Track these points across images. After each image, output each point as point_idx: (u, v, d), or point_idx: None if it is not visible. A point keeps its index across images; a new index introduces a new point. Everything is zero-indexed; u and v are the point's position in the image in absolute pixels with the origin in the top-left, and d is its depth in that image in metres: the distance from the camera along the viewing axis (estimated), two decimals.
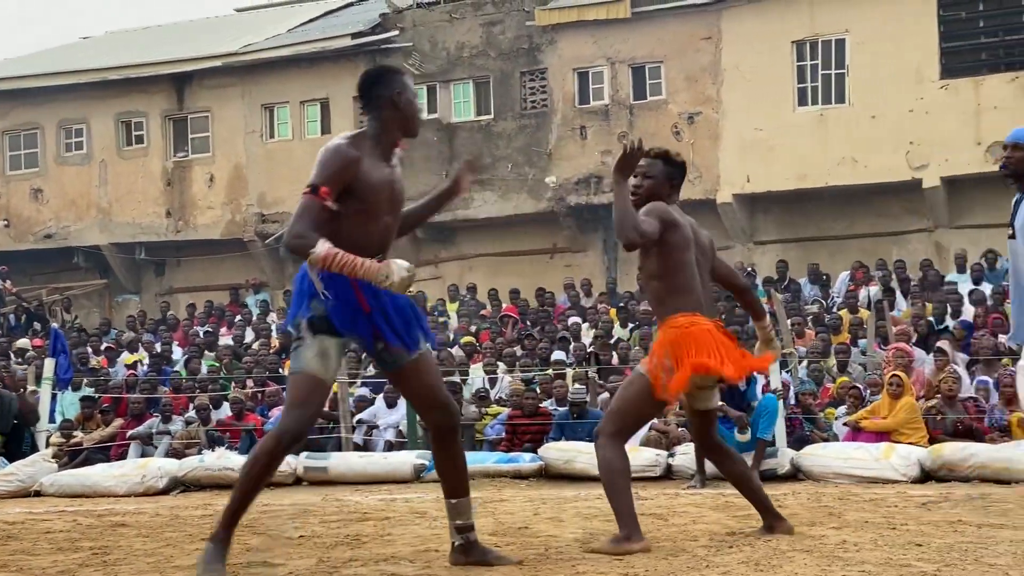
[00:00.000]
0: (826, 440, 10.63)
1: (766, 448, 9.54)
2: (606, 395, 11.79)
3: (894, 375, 10.53)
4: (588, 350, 14.28)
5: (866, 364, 13.10)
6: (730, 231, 20.94)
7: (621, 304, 17.60)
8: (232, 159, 23.89)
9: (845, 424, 10.73)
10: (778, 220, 21.10)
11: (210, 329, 19.63)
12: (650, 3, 20.96)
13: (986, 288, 15.36)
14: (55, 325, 18.33)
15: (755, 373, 9.64)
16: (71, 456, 12.56)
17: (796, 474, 9.65)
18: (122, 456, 12.61)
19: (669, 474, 9.84)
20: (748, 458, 9.45)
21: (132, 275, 25.41)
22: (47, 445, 12.06)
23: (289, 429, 4.62)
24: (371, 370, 14.36)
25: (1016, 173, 6.40)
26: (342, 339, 4.69)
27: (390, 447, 12.23)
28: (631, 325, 16.57)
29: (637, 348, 14.55)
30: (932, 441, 10.01)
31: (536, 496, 8.48)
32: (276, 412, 12.79)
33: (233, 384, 14.74)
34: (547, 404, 12.01)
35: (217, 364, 16.52)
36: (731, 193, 20.54)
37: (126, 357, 18.08)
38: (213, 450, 11.72)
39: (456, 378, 13.16)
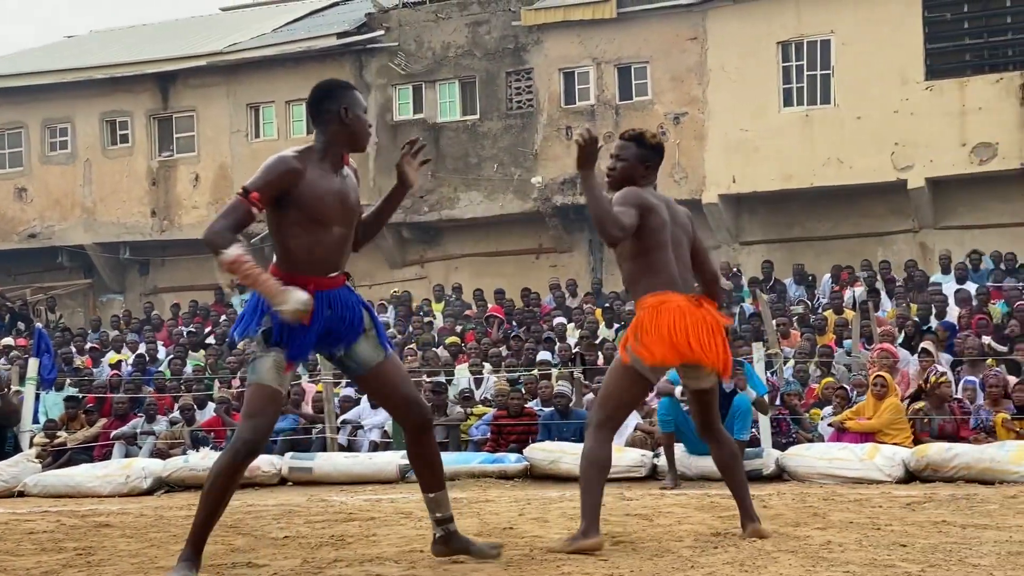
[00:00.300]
0: (811, 441, 10.65)
1: (744, 449, 9.53)
2: (591, 395, 11.80)
3: (878, 376, 10.56)
4: (574, 350, 14.28)
5: (850, 365, 13.13)
6: (716, 231, 20.97)
7: (607, 304, 17.60)
8: (217, 159, 23.85)
9: (830, 425, 10.75)
10: (763, 221, 21.15)
11: (194, 329, 19.58)
12: (636, 3, 20.99)
13: (970, 288, 15.41)
14: (39, 325, 18.29)
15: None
16: (55, 456, 12.50)
17: (781, 474, 9.66)
18: (106, 456, 12.57)
19: (654, 474, 9.84)
20: None
21: (117, 275, 25.34)
22: (31, 445, 12.01)
23: (245, 440, 4.66)
24: None
25: None
26: (291, 355, 4.77)
27: (375, 447, 12.21)
28: (617, 325, 16.57)
29: None
30: (916, 442, 10.04)
31: (521, 496, 8.47)
32: None
33: (218, 383, 14.70)
34: (532, 404, 12.00)
35: (202, 364, 16.47)
36: (717, 193, 20.58)
37: (110, 357, 18.03)
38: (197, 450, 11.69)
39: (441, 378, 13.15)
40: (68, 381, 15.51)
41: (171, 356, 16.84)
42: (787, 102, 20.33)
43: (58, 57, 26.65)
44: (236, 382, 14.69)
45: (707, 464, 9.59)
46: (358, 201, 4.94)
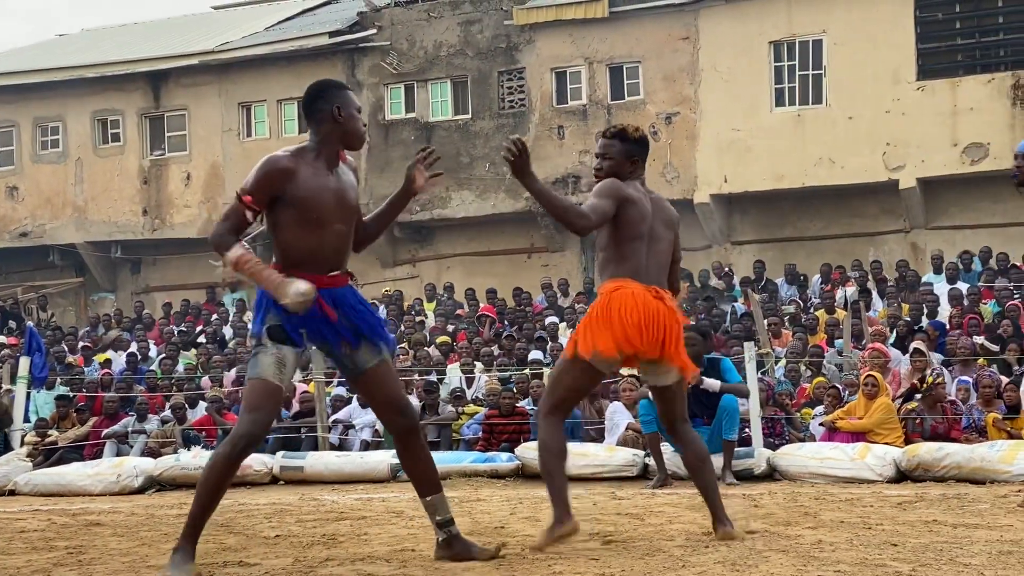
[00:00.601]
0: (802, 440, 10.66)
1: (734, 448, 9.53)
2: None
3: (869, 375, 10.58)
4: None
5: (841, 364, 13.15)
6: (707, 231, 21.00)
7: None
8: (209, 158, 23.81)
9: (821, 424, 10.77)
10: (755, 220, 21.17)
11: (185, 329, 19.55)
12: (628, 3, 21.00)
13: (962, 288, 15.44)
14: (30, 323, 18.24)
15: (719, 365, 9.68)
16: (46, 455, 12.49)
17: (772, 474, 9.67)
18: (97, 455, 12.55)
19: (646, 473, 9.84)
20: (713, 460, 9.47)
21: (108, 273, 25.30)
22: (22, 444, 11.99)
23: (244, 433, 4.71)
24: None
25: None
26: (299, 348, 4.84)
27: (366, 446, 12.21)
28: None
29: None
30: (908, 442, 10.06)
31: (513, 495, 8.48)
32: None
33: (209, 382, 14.68)
34: (524, 404, 12.01)
35: (194, 362, 16.45)
36: (708, 193, 20.59)
37: (101, 355, 18.00)
38: (189, 449, 11.68)
39: (433, 377, 13.15)
40: (59, 380, 15.49)
41: (162, 355, 16.82)
42: (779, 102, 20.36)
43: (50, 55, 26.59)
44: (227, 381, 14.68)
45: None
46: (357, 199, 4.98)
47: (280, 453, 11.24)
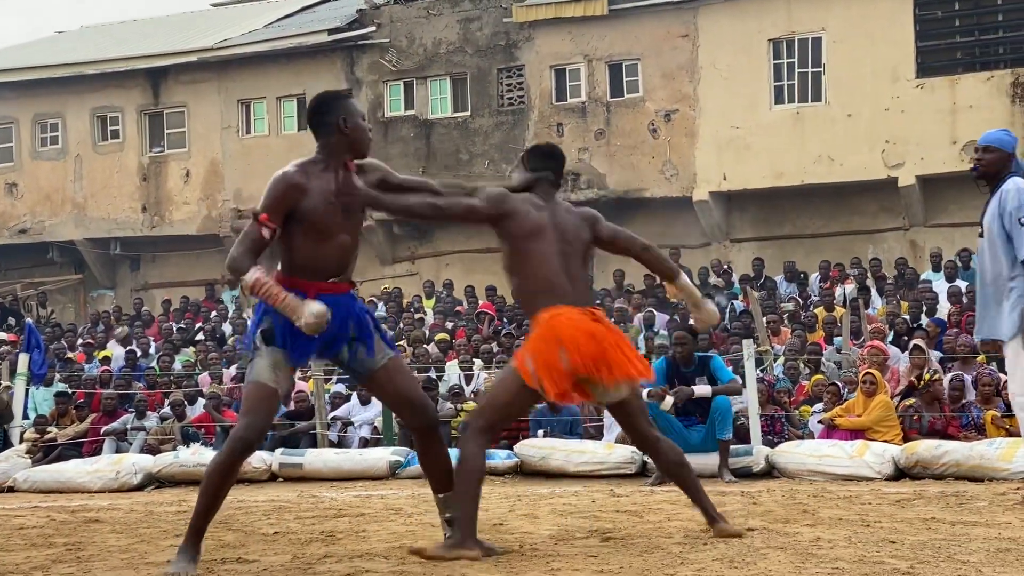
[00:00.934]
0: (801, 438, 10.66)
1: (729, 447, 9.54)
2: None
3: (868, 373, 10.58)
4: None
5: (840, 362, 13.15)
6: (706, 229, 21.00)
7: (597, 302, 17.59)
8: (208, 154, 23.81)
9: (820, 422, 10.77)
10: (754, 218, 21.17)
11: (184, 326, 19.55)
12: (627, 0, 20.99)
13: (961, 286, 15.45)
14: (29, 320, 18.24)
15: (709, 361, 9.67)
16: (45, 452, 12.48)
17: (771, 471, 9.68)
18: (96, 452, 12.55)
19: (644, 471, 9.85)
20: (711, 458, 9.48)
21: (107, 270, 25.29)
22: (21, 441, 11.99)
23: (239, 438, 4.80)
24: None
25: (986, 174, 6.61)
26: (295, 352, 4.90)
27: (365, 443, 12.21)
28: None
29: None
30: (906, 439, 10.06)
31: (511, 493, 8.48)
32: None
33: (208, 379, 14.67)
34: None
35: (193, 360, 16.45)
36: (707, 191, 20.59)
37: (103, 351, 17.99)
38: (188, 446, 11.68)
39: (432, 374, 13.16)
40: (57, 377, 15.48)
41: (160, 353, 16.81)
42: (778, 99, 20.35)
43: (49, 52, 26.58)
44: (226, 378, 14.68)
45: (695, 461, 9.61)
46: (363, 208, 5.05)
47: (279, 450, 11.24)
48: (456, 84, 22.47)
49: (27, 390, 12.94)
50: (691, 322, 5.59)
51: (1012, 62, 19.22)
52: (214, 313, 20.17)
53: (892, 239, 20.13)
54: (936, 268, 16.96)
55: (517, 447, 10.65)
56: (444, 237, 22.75)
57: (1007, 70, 19.14)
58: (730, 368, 10.23)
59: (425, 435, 5.11)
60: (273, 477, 10.90)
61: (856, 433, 10.14)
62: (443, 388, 13.12)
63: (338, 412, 12.79)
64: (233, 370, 15.00)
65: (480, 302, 18.80)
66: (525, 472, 10.30)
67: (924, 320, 14.23)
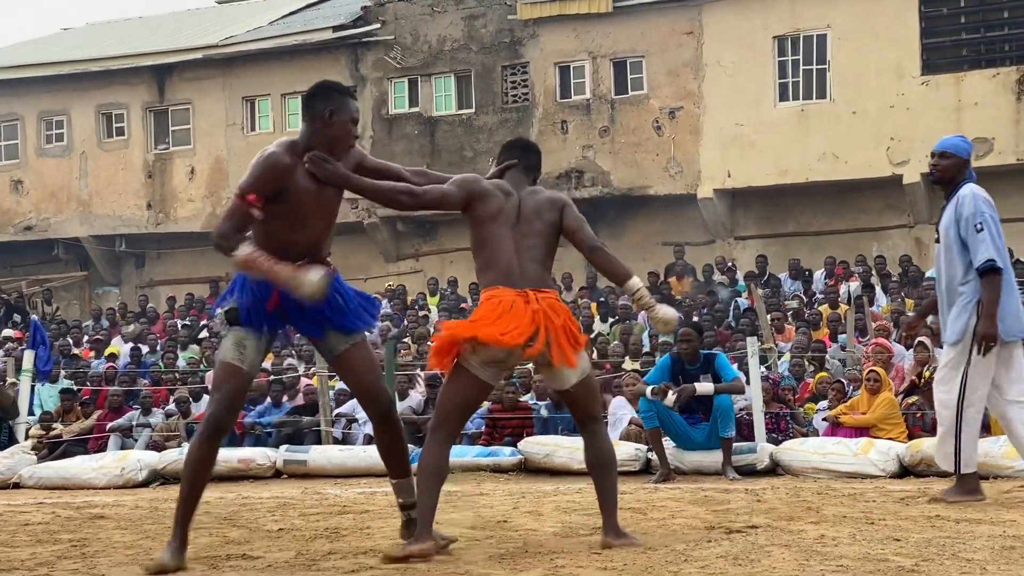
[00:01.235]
0: (805, 435, 10.65)
1: (732, 445, 9.53)
2: None
3: (872, 370, 10.56)
4: None
5: (845, 360, 13.14)
6: (711, 226, 20.99)
7: (602, 299, 17.61)
8: (213, 152, 23.83)
9: (824, 419, 10.76)
10: (759, 215, 21.16)
11: (188, 323, 19.57)
12: None
13: None
14: (35, 317, 18.27)
15: (718, 364, 9.65)
16: (50, 448, 12.50)
17: (775, 469, 9.68)
18: (101, 448, 12.56)
19: (648, 468, 9.85)
20: (715, 455, 9.48)
21: (112, 267, 25.33)
22: (26, 437, 12.01)
23: (209, 415, 4.95)
24: None
25: (943, 180, 6.75)
26: (259, 331, 4.99)
27: (370, 440, 12.21)
28: (611, 319, 16.59)
29: (617, 342, 14.57)
30: (911, 436, 10.05)
31: (516, 490, 8.49)
32: (259, 407, 12.78)
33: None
34: (527, 398, 12.02)
35: (197, 357, 16.46)
36: (712, 188, 20.59)
37: (108, 348, 18.02)
38: None
39: (437, 371, 13.14)
40: (63, 373, 15.51)
41: (164, 350, 16.83)
42: (783, 97, 20.34)
43: (54, 49, 26.61)
44: None
45: (699, 458, 9.63)
46: (338, 194, 5.05)
47: (283, 447, 11.25)
48: (460, 81, 22.48)
49: (33, 387, 12.97)
50: (653, 324, 5.46)
51: (1017, 59, 19.20)
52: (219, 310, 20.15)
53: (897, 236, 20.12)
54: None
55: (521, 444, 10.66)
56: (448, 234, 22.75)
57: (1012, 67, 19.12)
58: (735, 366, 10.23)
59: (380, 422, 5.19)
60: (278, 474, 10.91)
61: (861, 431, 10.13)
62: None
63: (342, 409, 12.80)
64: None
65: None
66: (529, 469, 10.30)
67: (929, 318, 14.19)
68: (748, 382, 10.37)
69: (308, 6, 25.90)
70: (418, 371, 13.38)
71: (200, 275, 23.45)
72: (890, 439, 9.85)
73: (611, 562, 4.66)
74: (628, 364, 13.30)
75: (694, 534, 5.43)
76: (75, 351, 17.64)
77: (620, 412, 11.05)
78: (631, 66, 21.33)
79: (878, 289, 16.58)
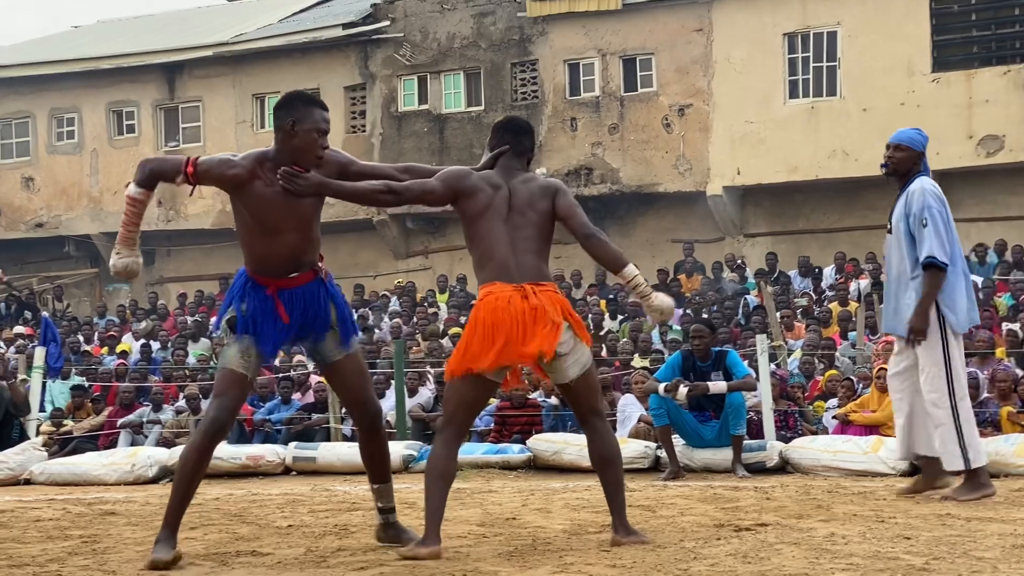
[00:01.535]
0: (815, 433, 10.64)
1: (742, 442, 9.51)
2: None
3: (882, 368, 10.52)
4: None
5: (855, 357, 13.11)
6: (720, 223, 20.97)
7: (611, 296, 17.60)
8: (223, 149, 23.72)
9: (834, 417, 10.74)
10: (768, 213, 21.13)
11: (199, 319, 19.60)
12: None
13: (977, 281, 15.38)
14: (46, 314, 18.31)
15: (729, 362, 9.63)
16: (61, 445, 12.53)
17: (785, 467, 9.66)
18: (112, 445, 12.59)
19: (657, 466, 9.84)
20: (724, 453, 9.46)
21: None
22: (37, 434, 12.03)
23: (211, 418, 4.96)
24: None
25: (897, 172, 6.88)
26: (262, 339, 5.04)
27: None
28: (620, 317, 16.58)
29: (626, 340, 14.57)
30: None
31: (525, 487, 8.49)
32: (269, 404, 12.81)
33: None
34: (536, 395, 12.01)
35: (207, 354, 16.49)
36: (721, 185, 20.56)
37: (120, 345, 18.07)
38: None
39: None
40: (73, 370, 15.55)
41: (173, 347, 16.85)
42: (793, 94, 20.31)
43: (65, 47, 26.67)
44: None
45: (709, 456, 9.62)
46: (315, 204, 5.00)
47: (293, 444, 11.26)
48: (470, 78, 22.47)
49: (44, 383, 12.99)
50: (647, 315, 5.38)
51: None
52: None
53: None
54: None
55: (530, 441, 10.66)
56: (458, 231, 22.63)
57: (1023, 64, 19.06)
58: (745, 363, 10.21)
59: (370, 430, 5.27)
60: (287, 471, 10.92)
61: (870, 429, 10.11)
62: None
63: None
64: None
65: None
66: (538, 466, 10.30)
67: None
68: (758, 380, 10.35)
69: (318, 3, 25.92)
70: (428, 368, 13.38)
71: (210, 272, 23.47)
72: None
73: (620, 560, 4.66)
74: (637, 361, 13.30)
75: (703, 532, 5.43)
76: (85, 348, 17.69)
77: (629, 409, 11.04)
78: (640, 63, 21.31)
79: None
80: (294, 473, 10.89)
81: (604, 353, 14.00)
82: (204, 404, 13.15)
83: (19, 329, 19.58)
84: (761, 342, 10.68)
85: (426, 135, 22.43)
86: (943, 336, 6.60)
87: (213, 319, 17.56)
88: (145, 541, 5.73)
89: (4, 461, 10.93)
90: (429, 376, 13.04)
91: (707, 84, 20.72)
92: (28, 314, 21.28)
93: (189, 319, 19.60)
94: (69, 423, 13.19)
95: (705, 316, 13.84)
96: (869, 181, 19.82)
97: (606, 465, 5.14)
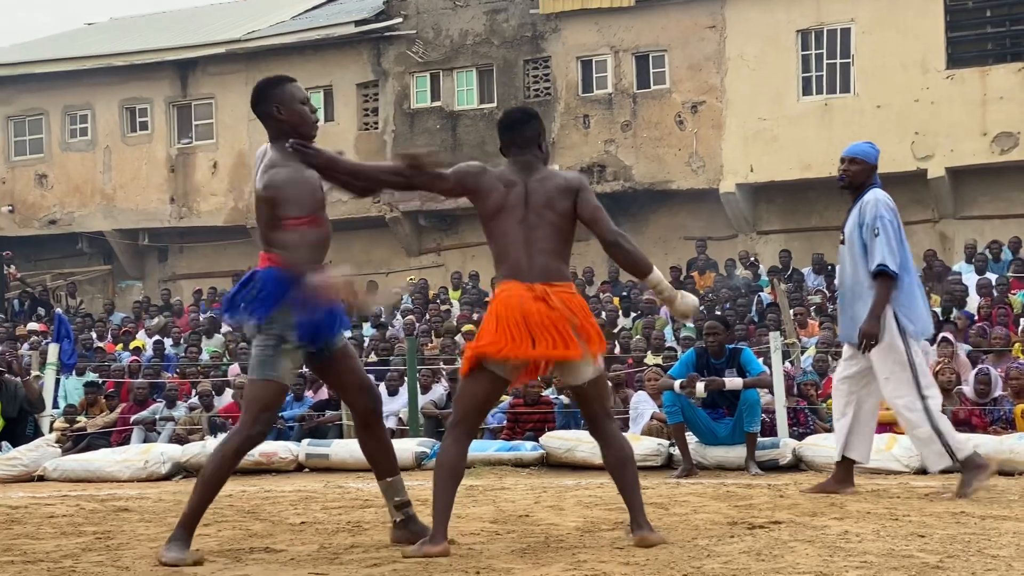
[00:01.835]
0: (828, 431, 10.61)
1: (756, 440, 9.49)
2: (609, 385, 11.76)
3: None
4: None
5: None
6: (733, 221, 20.93)
7: (624, 293, 17.58)
8: (235, 146, 23.89)
9: None
10: (781, 210, 21.08)
11: (214, 315, 19.64)
12: None
13: (991, 278, 15.34)
14: (59, 310, 18.37)
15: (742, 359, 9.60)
16: (74, 441, 12.57)
17: (798, 464, 9.64)
18: (125, 441, 12.62)
19: (670, 463, 9.83)
20: (737, 451, 9.44)
21: (135, 261, 25.45)
22: (51, 430, 12.07)
23: (259, 433, 4.88)
24: (372, 357, 14.38)
25: (852, 184, 7.12)
26: (303, 349, 4.95)
27: (391, 435, 12.19)
28: (634, 314, 16.56)
29: (639, 337, 14.54)
30: None
31: (537, 484, 8.49)
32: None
33: (238, 368, 14.73)
34: (549, 393, 12.00)
35: (220, 351, 16.52)
36: (734, 183, 20.53)
37: (134, 341, 18.12)
38: (216, 436, 11.73)
39: (459, 366, 13.16)
40: (88, 367, 15.59)
41: (187, 344, 16.90)
42: (806, 91, 20.26)
43: (78, 44, 26.74)
44: None
45: (722, 453, 9.60)
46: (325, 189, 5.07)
47: (306, 440, 11.27)
48: (482, 76, 22.47)
49: (57, 380, 13.03)
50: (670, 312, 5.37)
51: None
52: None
53: (921, 231, 20.00)
54: (969, 259, 16.83)
55: (543, 439, 10.65)
56: (470, 228, 22.75)
57: None
58: (760, 360, 10.19)
59: (369, 419, 5.19)
60: (300, 467, 10.94)
61: (884, 426, 10.08)
62: None
63: None
64: None
65: None
66: (551, 464, 10.29)
67: (954, 313, 14.13)
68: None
69: (330, 0, 25.94)
70: (441, 365, 13.39)
71: (222, 269, 23.53)
72: None
73: (633, 557, 4.65)
74: (650, 359, 13.28)
75: (716, 529, 5.42)
76: (98, 344, 17.73)
77: (642, 407, 11.03)
78: (653, 60, 21.28)
79: None
80: (307, 470, 10.91)
81: (617, 350, 13.98)
82: (217, 401, 13.19)
83: (33, 326, 19.65)
84: (774, 339, 10.66)
85: (438, 132, 22.43)
86: (904, 343, 6.78)
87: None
88: (158, 537, 5.74)
89: (18, 457, 10.97)
90: (442, 373, 13.04)
91: (720, 81, 20.69)
92: (42, 311, 21.35)
93: (202, 316, 19.64)
94: (82, 419, 13.22)
95: (719, 313, 13.81)
96: (883, 178, 19.71)
97: (623, 467, 5.09)
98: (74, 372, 14.99)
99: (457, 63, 22.52)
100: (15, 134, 25.75)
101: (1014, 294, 14.84)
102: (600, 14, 21.28)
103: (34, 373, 12.81)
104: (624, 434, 5.37)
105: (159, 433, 12.83)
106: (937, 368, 10.71)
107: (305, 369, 13.41)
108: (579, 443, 10.22)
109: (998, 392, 10.64)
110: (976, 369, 11.08)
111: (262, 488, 8.75)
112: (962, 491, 6.63)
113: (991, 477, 6.57)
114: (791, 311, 14.05)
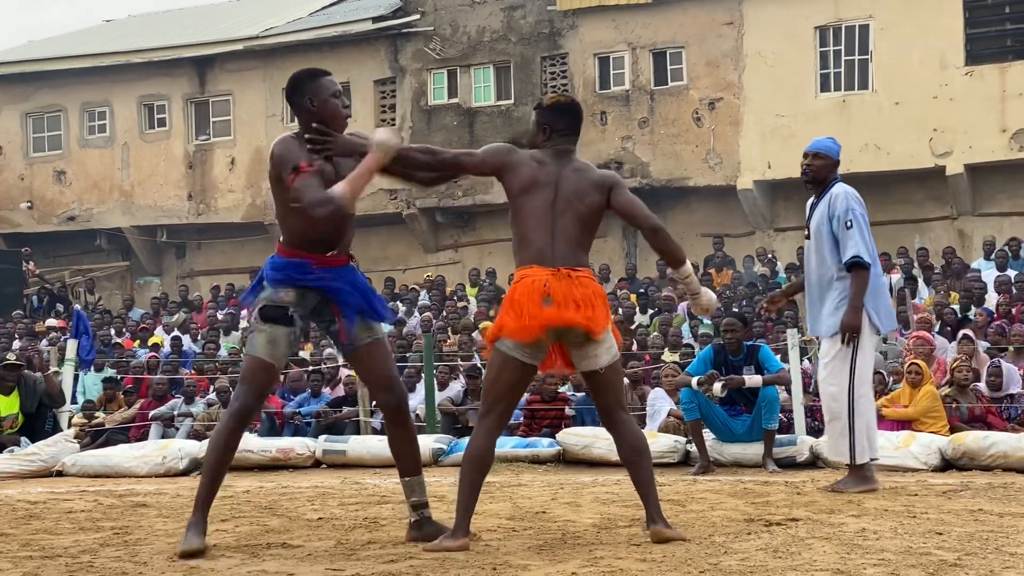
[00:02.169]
0: None
1: (774, 436, 9.47)
2: (626, 381, 11.77)
3: (913, 363, 10.48)
4: None
5: (886, 352, 13.04)
6: (751, 217, 20.89)
7: (641, 290, 17.56)
8: (253, 142, 23.95)
9: None
10: (799, 207, 20.89)
11: (232, 311, 19.70)
12: None
13: (1010, 275, 15.28)
14: (78, 307, 18.44)
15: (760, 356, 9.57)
16: (93, 437, 12.62)
17: (815, 462, 9.62)
18: (143, 437, 12.67)
19: (687, 460, 9.82)
20: (755, 448, 9.43)
21: (153, 257, 25.54)
22: (69, 426, 12.12)
23: (242, 404, 5.06)
24: None
25: (815, 180, 7.28)
26: (291, 328, 5.07)
27: None
28: (651, 311, 16.55)
29: (657, 334, 14.53)
30: (953, 429, 9.95)
31: (554, 481, 8.48)
32: (299, 397, 12.86)
33: None
34: (565, 389, 12.00)
35: (238, 347, 16.57)
36: (752, 179, 20.49)
37: (152, 337, 18.17)
38: None
39: (477, 362, 13.18)
40: (107, 363, 15.65)
41: (204, 340, 16.95)
42: (824, 87, 20.20)
43: (97, 41, 26.84)
44: None
45: (739, 450, 9.59)
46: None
47: (323, 437, 11.30)
48: (500, 72, 22.47)
49: (76, 375, 13.08)
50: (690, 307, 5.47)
51: None
52: None
53: (939, 228, 19.94)
54: (987, 256, 16.76)
55: (560, 435, 10.65)
56: (487, 225, 22.78)
57: None
58: (778, 357, 10.17)
59: (395, 416, 5.24)
60: (317, 464, 10.96)
61: (902, 424, 10.05)
62: None
63: None
64: None
65: None
66: (568, 460, 10.29)
67: (973, 311, 14.08)
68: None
69: None
70: (458, 362, 13.40)
71: (240, 265, 23.60)
72: (932, 432, 9.77)
73: (650, 554, 4.64)
74: (667, 355, 13.26)
75: (734, 526, 5.41)
76: (117, 340, 17.80)
77: (659, 403, 11.02)
78: (671, 57, 21.25)
79: (920, 281, 16.44)
80: (324, 466, 10.93)
81: (634, 347, 13.97)
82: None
83: (51, 322, 19.74)
84: (792, 336, 10.63)
85: (456, 129, 22.43)
86: (857, 341, 6.82)
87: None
88: (176, 533, 5.76)
89: (37, 453, 11.02)
90: (460, 370, 13.05)
91: (738, 78, 20.65)
92: (60, 307, 21.45)
93: (220, 313, 19.70)
94: (101, 415, 13.27)
95: (736, 310, 13.79)
96: (901, 175, 19.74)
97: (639, 457, 5.04)
98: (92, 368, 15.06)
99: (474, 60, 22.53)
100: (34, 131, 25.86)
101: None
102: (617, 11, 21.26)
103: (52, 369, 12.85)
104: (641, 431, 5.35)
105: (177, 429, 12.88)
106: (955, 365, 10.69)
107: (323, 366, 13.44)
108: (596, 440, 10.21)
109: (1014, 389, 10.60)
110: (988, 363, 11.05)
111: (279, 484, 8.77)
112: (836, 485, 6.86)
113: (870, 495, 6.60)
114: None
